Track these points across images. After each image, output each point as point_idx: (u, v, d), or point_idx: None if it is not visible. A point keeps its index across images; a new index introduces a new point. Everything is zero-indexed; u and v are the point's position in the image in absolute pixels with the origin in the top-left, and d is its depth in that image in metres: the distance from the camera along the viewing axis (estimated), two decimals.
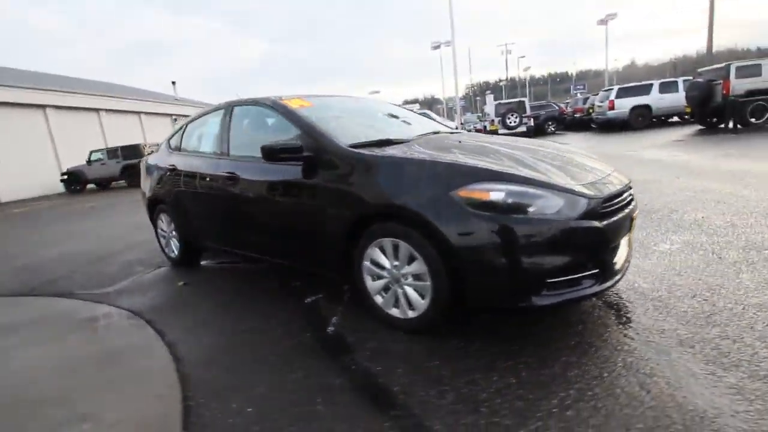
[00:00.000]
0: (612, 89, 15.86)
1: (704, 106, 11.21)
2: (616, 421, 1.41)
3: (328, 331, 2.25)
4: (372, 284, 2.22)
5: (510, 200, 1.78)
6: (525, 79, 57.24)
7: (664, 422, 1.39)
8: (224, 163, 2.96)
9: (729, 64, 10.58)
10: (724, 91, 10.40)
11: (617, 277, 1.95)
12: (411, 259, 2.01)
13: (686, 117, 15.17)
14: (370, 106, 3.24)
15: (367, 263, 2.20)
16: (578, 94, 35.51)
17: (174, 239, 3.77)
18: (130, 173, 15.61)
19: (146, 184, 4.07)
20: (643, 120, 15.19)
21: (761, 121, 10.15)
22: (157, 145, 16.47)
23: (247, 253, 3.09)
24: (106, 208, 9.76)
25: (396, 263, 2.07)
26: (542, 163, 2.06)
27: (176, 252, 3.78)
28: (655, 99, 15.03)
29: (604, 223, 1.82)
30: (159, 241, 4.02)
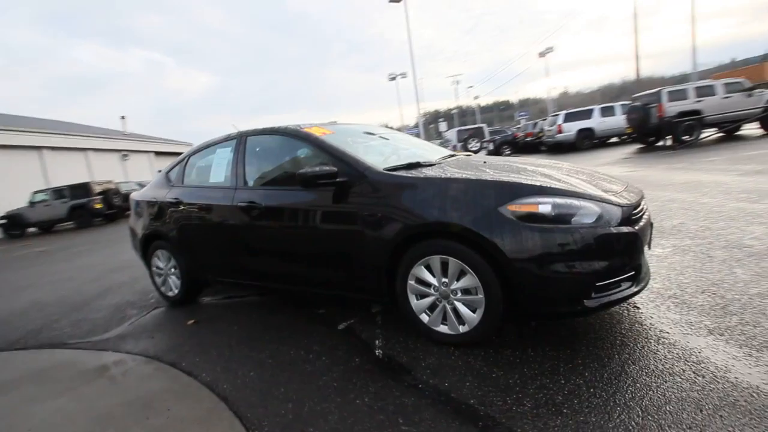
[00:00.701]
0: (559, 114, 17.23)
1: (643, 127, 12.47)
2: (688, 404, 1.53)
3: (377, 354, 2.24)
4: (417, 303, 2.26)
5: (556, 212, 1.93)
6: (474, 107, 60.73)
7: (729, 400, 1.53)
8: (242, 193, 2.92)
9: (660, 90, 11.93)
10: (659, 114, 11.67)
11: (648, 279, 2.13)
12: (461, 275, 2.08)
13: (624, 137, 16.79)
14: (378, 132, 3.34)
15: (411, 282, 2.24)
16: (522, 120, 38.12)
17: (173, 276, 3.58)
18: (79, 214, 14.55)
19: (138, 221, 3.88)
20: (588, 142, 16.57)
21: (692, 138, 11.43)
22: (110, 182, 15.52)
23: (266, 285, 3.01)
24: (59, 252, 8.99)
25: (444, 280, 2.14)
26: (570, 177, 2.25)
27: (176, 290, 3.59)
28: (597, 122, 16.49)
29: (636, 228, 2.01)
30: (153, 281, 3.80)
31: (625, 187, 2.29)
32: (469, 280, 2.05)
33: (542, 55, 30.79)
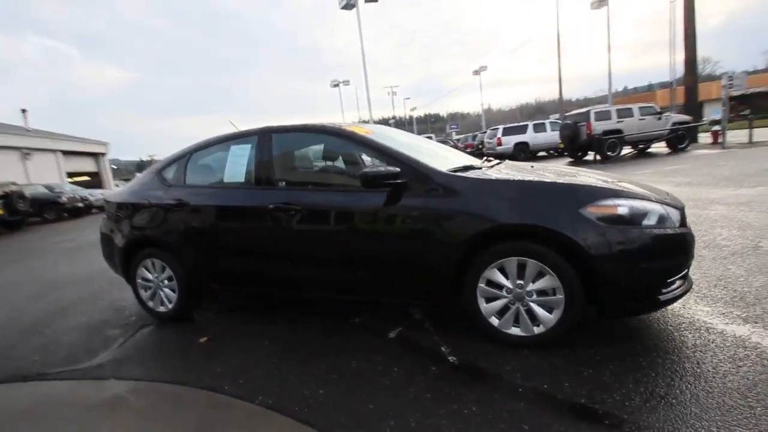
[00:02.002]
0: (498, 128, 18.47)
1: (574, 142, 13.85)
2: (756, 376, 1.70)
3: (451, 361, 2.16)
4: (486, 306, 2.23)
5: (631, 213, 2.04)
6: (410, 118, 62.93)
7: None
8: (272, 194, 2.66)
9: (589, 110, 13.39)
10: (588, 131, 13.05)
11: (691, 280, 2.33)
12: (537, 276, 2.10)
13: (551, 152, 18.45)
14: (408, 135, 3.28)
15: (482, 285, 2.21)
16: (454, 133, 40.30)
17: (167, 289, 3.15)
18: None
19: (117, 226, 3.35)
20: (524, 155, 17.96)
21: (615, 154, 12.96)
22: (13, 183, 13.39)
23: (299, 293, 2.77)
24: None
25: (519, 282, 2.14)
26: (622, 183, 2.39)
27: (170, 304, 3.15)
28: (531, 137, 17.97)
29: (689, 229, 2.20)
30: (139, 295, 3.29)
31: (667, 193, 2.49)
32: (548, 282, 2.08)
33: (476, 72, 33.11)
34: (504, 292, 2.18)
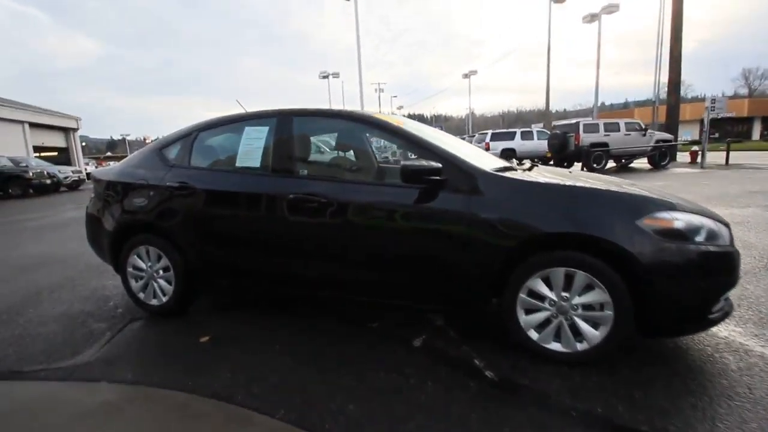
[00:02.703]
0: (487, 133, 18.57)
1: (561, 152, 14.06)
2: None
3: (488, 376, 2.00)
4: (526, 318, 2.09)
5: (687, 228, 1.94)
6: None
7: None
8: (292, 182, 2.43)
9: (578, 121, 13.63)
10: (576, 142, 13.27)
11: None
12: (586, 289, 1.97)
13: (536, 160, 18.66)
14: (436, 130, 3.10)
15: (522, 296, 2.07)
16: None
17: (161, 280, 2.86)
18: None
19: (107, 208, 3.03)
20: None
21: (600, 166, 13.24)
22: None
23: (314, 292, 2.55)
24: None
25: (564, 294, 2.01)
26: (667, 196, 2.30)
27: (164, 297, 2.87)
28: (518, 144, 18.13)
29: (736, 248, 2.12)
30: (129, 285, 2.98)
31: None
32: (597, 296, 1.95)
33: (466, 76, 33.39)
34: (547, 304, 2.04)
